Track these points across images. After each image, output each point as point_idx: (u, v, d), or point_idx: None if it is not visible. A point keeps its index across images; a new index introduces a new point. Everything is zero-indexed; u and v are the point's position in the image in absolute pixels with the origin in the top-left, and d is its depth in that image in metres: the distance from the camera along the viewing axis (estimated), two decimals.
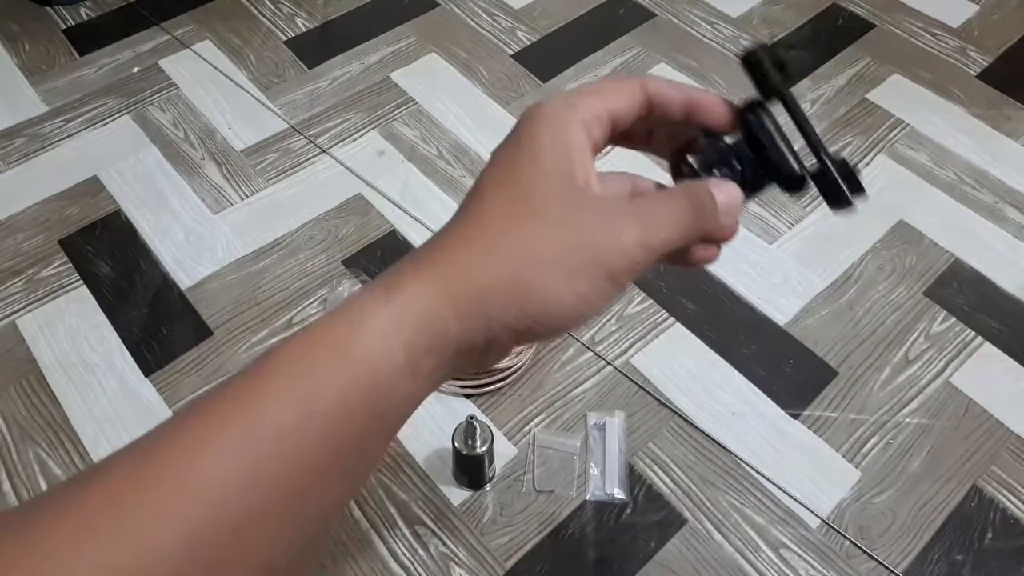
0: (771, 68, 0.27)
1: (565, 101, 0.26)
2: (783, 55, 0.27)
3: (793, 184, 0.28)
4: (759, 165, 0.28)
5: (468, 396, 0.70)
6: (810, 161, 0.28)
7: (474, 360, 0.25)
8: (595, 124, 0.26)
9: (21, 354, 0.73)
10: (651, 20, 1.04)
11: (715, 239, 0.28)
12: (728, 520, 0.63)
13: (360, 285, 0.77)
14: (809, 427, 0.68)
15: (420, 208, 0.84)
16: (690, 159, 0.28)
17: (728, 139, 0.28)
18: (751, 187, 0.28)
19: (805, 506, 0.64)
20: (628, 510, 0.64)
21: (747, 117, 0.28)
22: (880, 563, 0.61)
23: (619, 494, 0.64)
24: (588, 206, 0.25)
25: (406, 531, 0.63)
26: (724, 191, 0.27)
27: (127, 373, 0.72)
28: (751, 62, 0.28)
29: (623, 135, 0.28)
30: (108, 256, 0.80)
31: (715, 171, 0.28)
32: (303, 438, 0.22)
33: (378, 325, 0.23)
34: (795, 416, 0.69)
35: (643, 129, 0.29)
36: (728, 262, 0.78)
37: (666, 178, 0.30)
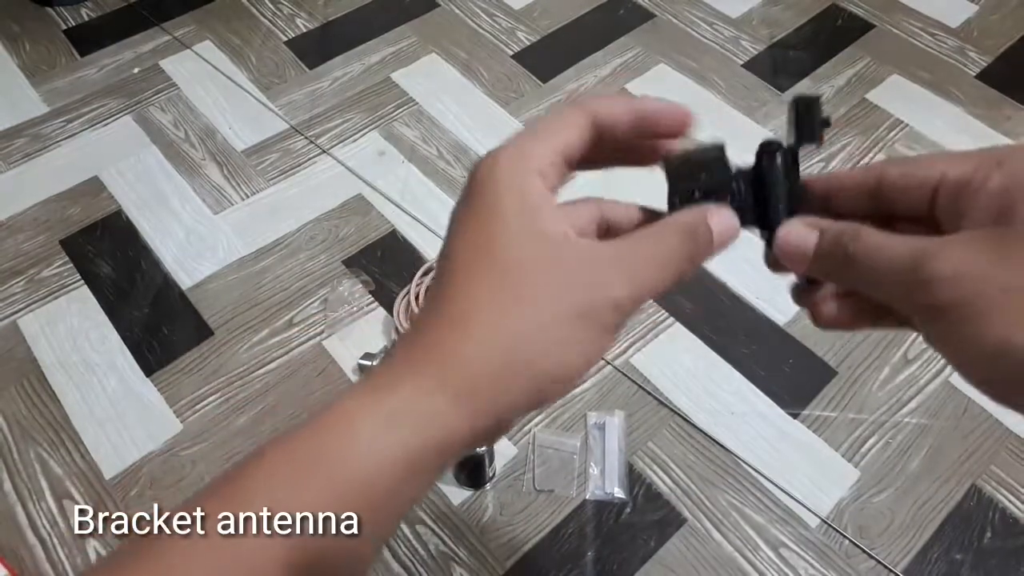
0: (820, 121, 0.26)
1: (514, 153, 0.25)
2: (829, 116, 0.26)
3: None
4: (756, 207, 0.27)
5: None
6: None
7: (482, 443, 0.25)
8: (550, 170, 0.25)
9: (22, 354, 0.73)
10: (651, 20, 1.05)
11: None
12: (727, 519, 0.63)
13: (360, 285, 0.78)
14: (808, 426, 0.69)
15: (420, 208, 0.84)
16: (690, 187, 0.27)
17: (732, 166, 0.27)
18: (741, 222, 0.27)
19: (804, 505, 0.64)
20: (628, 509, 0.64)
21: (765, 154, 0.27)
22: (879, 562, 0.61)
23: (619, 493, 0.64)
24: (569, 260, 0.24)
25: (406, 530, 0.63)
26: (721, 219, 0.25)
27: (128, 373, 0.72)
28: (807, 103, 0.26)
29: (598, 160, 0.27)
30: (109, 256, 0.81)
31: (714, 197, 0.27)
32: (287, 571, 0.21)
33: (372, 439, 0.22)
34: (794, 416, 0.69)
35: (612, 150, 0.27)
36: (727, 261, 0.78)
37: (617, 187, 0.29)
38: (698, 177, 0.27)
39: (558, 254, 0.24)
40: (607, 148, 0.27)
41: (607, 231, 0.28)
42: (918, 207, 0.24)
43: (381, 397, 0.23)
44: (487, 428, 0.23)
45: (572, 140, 0.25)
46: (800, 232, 0.25)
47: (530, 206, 0.24)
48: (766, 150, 0.27)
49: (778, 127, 0.91)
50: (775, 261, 0.27)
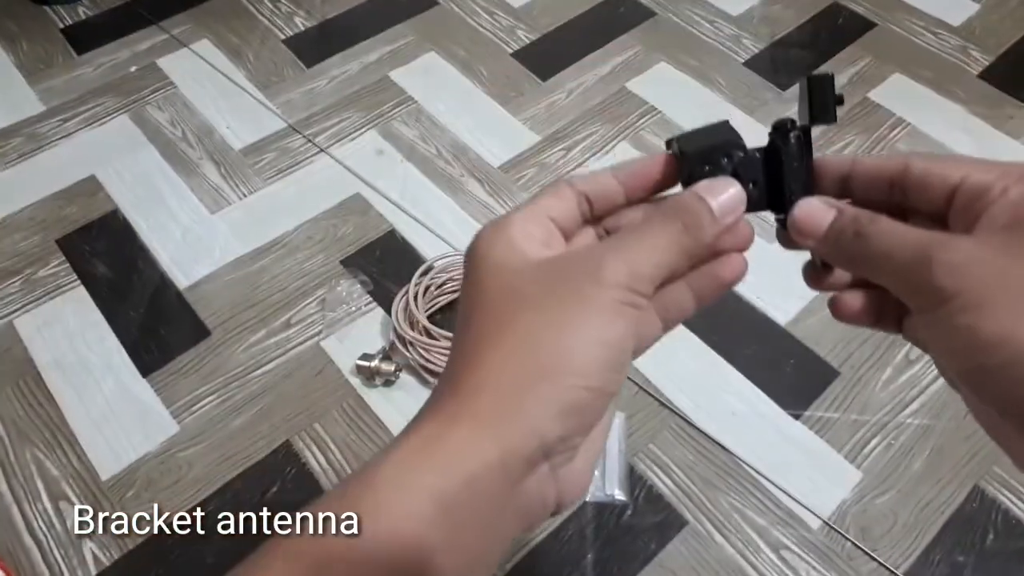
0: (834, 98, 0.26)
1: (493, 223, 0.26)
2: (842, 93, 0.27)
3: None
4: (769, 189, 0.27)
5: None
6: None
7: (535, 469, 0.22)
8: (534, 224, 0.25)
9: (18, 354, 0.73)
10: (651, 19, 1.04)
11: (730, 248, 0.26)
12: (729, 521, 0.63)
13: (358, 284, 0.77)
14: (810, 428, 0.68)
15: (419, 208, 0.84)
16: (676, 151, 0.27)
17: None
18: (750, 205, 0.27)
19: (806, 507, 0.64)
20: (628, 511, 0.63)
21: (779, 134, 0.27)
22: (882, 564, 0.61)
23: (619, 495, 0.63)
24: (556, 264, 0.24)
25: None
26: (717, 191, 0.25)
27: (124, 373, 0.71)
28: (820, 81, 0.26)
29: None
30: (106, 256, 0.80)
31: (708, 168, 0.27)
32: None
33: (387, 493, 0.20)
34: (796, 417, 0.69)
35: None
36: None
37: None
38: (708, 156, 0.26)
39: (551, 266, 0.24)
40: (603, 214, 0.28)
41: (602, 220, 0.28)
42: (934, 204, 0.25)
43: (393, 451, 0.22)
44: (527, 450, 0.21)
45: (555, 206, 0.26)
46: (818, 208, 0.26)
47: (510, 243, 0.25)
48: (780, 129, 0.27)
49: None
50: (787, 238, 0.27)
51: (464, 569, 0.21)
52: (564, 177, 0.27)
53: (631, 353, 0.24)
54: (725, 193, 0.25)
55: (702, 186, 0.25)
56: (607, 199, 0.27)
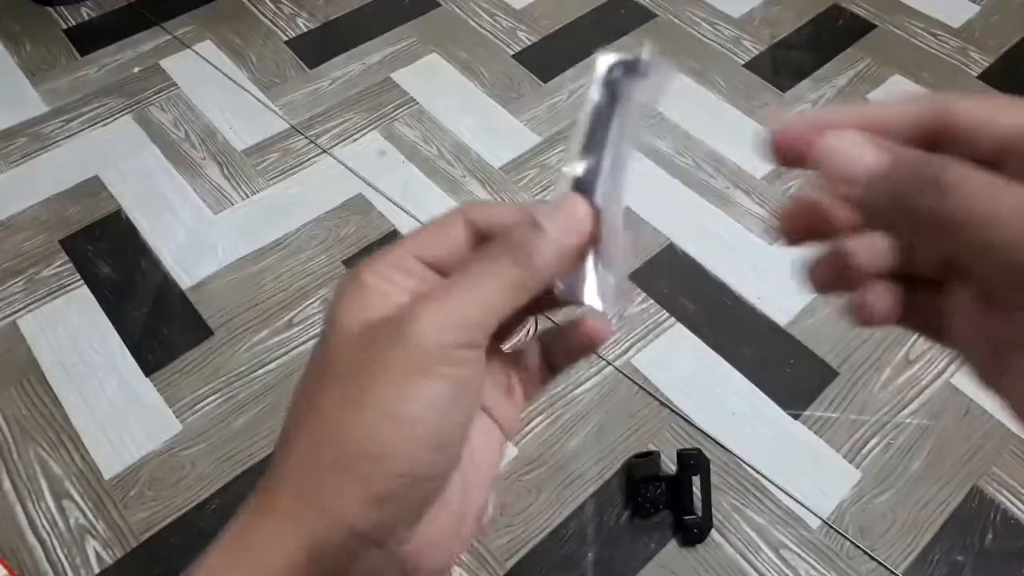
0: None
1: (357, 269, 0.22)
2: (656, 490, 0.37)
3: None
4: (671, 493, 0.34)
5: None
6: None
7: (356, 558, 0.20)
8: (395, 270, 0.22)
9: (22, 354, 0.73)
10: (652, 20, 1.04)
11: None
12: (729, 521, 0.63)
13: None
14: (810, 427, 0.68)
15: (421, 208, 0.84)
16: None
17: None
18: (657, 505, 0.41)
19: (806, 507, 0.64)
20: (628, 511, 0.64)
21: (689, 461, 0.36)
22: (881, 564, 0.61)
23: (599, 304, 0.47)
24: (377, 327, 0.20)
25: None
26: (554, 212, 0.21)
27: (128, 373, 0.72)
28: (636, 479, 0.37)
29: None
30: (109, 256, 0.80)
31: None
32: None
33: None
34: (796, 416, 0.69)
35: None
36: (729, 262, 0.78)
37: None
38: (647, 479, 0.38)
39: (366, 328, 0.20)
40: None
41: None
42: (979, 156, 0.17)
43: (208, 553, 0.20)
44: (337, 540, 0.19)
45: (432, 241, 0.23)
46: (860, 146, 0.18)
47: (355, 302, 0.21)
48: (682, 460, 0.36)
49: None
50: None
51: None
52: (465, 204, 0.24)
53: (456, 426, 0.20)
54: (566, 213, 0.21)
55: (541, 210, 0.21)
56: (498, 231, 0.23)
